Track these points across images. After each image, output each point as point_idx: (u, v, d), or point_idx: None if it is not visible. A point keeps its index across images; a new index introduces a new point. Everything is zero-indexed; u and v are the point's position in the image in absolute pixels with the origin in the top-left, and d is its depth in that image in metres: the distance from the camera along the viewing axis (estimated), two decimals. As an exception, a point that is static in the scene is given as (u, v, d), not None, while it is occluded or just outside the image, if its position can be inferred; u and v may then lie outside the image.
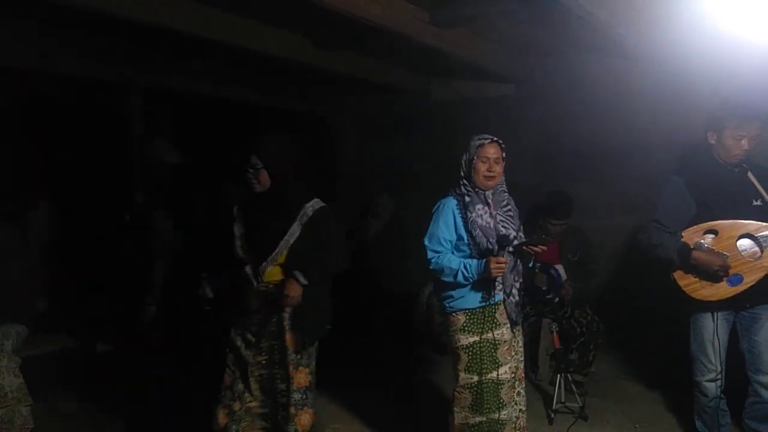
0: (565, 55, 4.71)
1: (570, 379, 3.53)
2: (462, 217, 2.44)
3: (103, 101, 5.59)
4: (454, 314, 2.47)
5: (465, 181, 2.49)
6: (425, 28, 3.80)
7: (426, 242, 2.47)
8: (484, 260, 2.34)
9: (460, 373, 2.47)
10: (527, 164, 4.85)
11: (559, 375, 3.50)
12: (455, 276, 2.38)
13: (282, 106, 6.25)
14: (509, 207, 2.56)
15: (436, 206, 2.52)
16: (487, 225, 2.44)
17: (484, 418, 2.43)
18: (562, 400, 3.47)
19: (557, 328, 3.67)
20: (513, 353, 2.51)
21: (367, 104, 6.33)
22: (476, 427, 2.44)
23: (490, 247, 2.39)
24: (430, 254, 2.44)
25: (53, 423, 3.35)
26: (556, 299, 3.89)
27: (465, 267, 2.36)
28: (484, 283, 2.40)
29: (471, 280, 2.37)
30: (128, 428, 3.33)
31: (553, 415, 3.40)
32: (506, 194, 2.58)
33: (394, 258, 5.14)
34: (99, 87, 5.26)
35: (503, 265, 2.32)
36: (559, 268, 3.97)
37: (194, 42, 3.99)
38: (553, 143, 4.85)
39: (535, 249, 2.40)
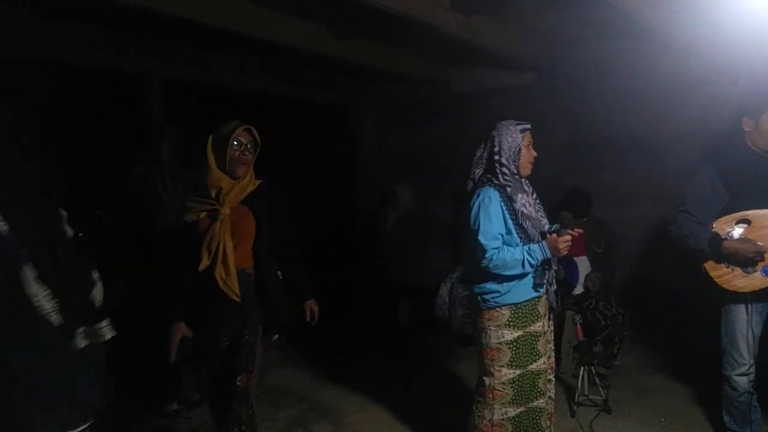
0: (592, 42, 4.61)
1: (593, 371, 3.48)
2: (509, 209, 2.35)
3: (123, 93, 5.63)
4: (498, 309, 2.37)
5: (505, 169, 2.36)
6: (448, 15, 3.75)
7: (482, 240, 2.29)
8: (545, 242, 2.29)
9: (503, 369, 2.38)
10: (553, 155, 4.79)
11: (582, 367, 3.46)
12: (523, 265, 2.26)
13: (303, 96, 6.26)
14: (536, 194, 2.52)
15: (478, 199, 2.35)
16: (530, 214, 2.38)
17: (524, 408, 2.41)
18: (586, 393, 3.43)
19: (581, 320, 3.61)
20: (548, 343, 2.49)
21: (388, 94, 6.31)
22: (516, 419, 2.40)
23: (538, 236, 2.35)
24: (490, 252, 2.27)
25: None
26: (576, 291, 3.84)
27: (529, 254, 2.27)
28: (539, 272, 2.36)
29: (536, 266, 2.29)
30: (155, 415, 3.36)
31: (575, 408, 3.35)
32: (528, 182, 2.54)
33: (413, 247, 5.12)
34: (119, 79, 5.29)
35: (569, 242, 2.28)
36: (582, 260, 3.91)
37: (214, 33, 3.99)
38: (579, 133, 4.78)
39: (573, 233, 2.34)
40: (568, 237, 2.29)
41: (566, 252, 2.30)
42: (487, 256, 2.28)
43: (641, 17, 3.50)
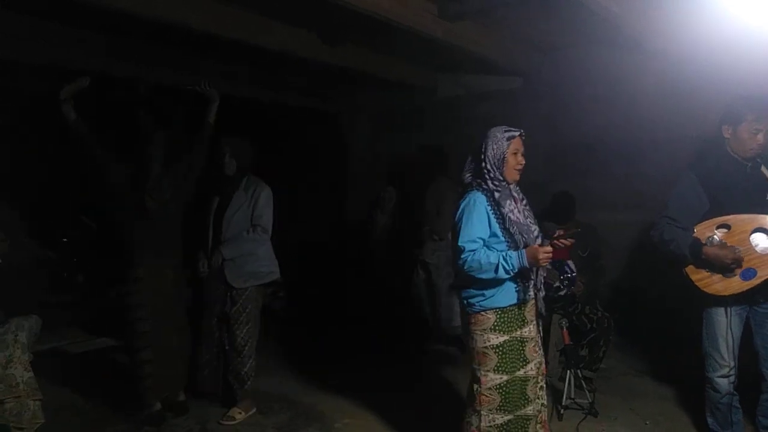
0: (576, 48, 4.68)
1: (580, 375, 3.51)
2: (495, 214, 2.36)
3: (113, 98, 5.61)
4: (483, 313, 2.37)
5: (492, 175, 2.38)
6: (435, 22, 3.79)
7: (460, 242, 2.32)
8: (524, 251, 2.28)
9: (488, 374, 2.37)
10: (536, 161, 4.83)
11: (568, 371, 3.48)
12: (496, 270, 2.26)
13: (293, 102, 6.27)
14: (525, 201, 2.53)
15: (464, 202, 2.39)
16: (518, 220, 2.39)
17: (512, 416, 2.38)
18: (572, 396, 3.45)
19: (567, 324, 3.64)
20: (537, 349, 2.48)
21: (376, 100, 6.33)
22: (504, 427, 2.39)
23: (524, 242, 2.35)
24: (465, 254, 2.29)
25: (63, 418, 3.36)
26: (567, 294, 3.88)
27: (505, 260, 2.26)
28: (521, 279, 2.36)
29: (512, 273, 2.28)
30: (140, 422, 3.34)
31: (562, 411, 3.38)
32: (518, 188, 2.55)
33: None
34: (109, 84, 5.27)
35: (550, 254, 2.27)
36: (570, 263, 3.95)
37: (204, 39, 3.99)
38: (562, 139, 4.83)
39: (565, 242, 2.36)
40: (550, 249, 2.28)
41: (546, 263, 2.30)
42: (462, 257, 2.30)
43: (624, 25, 3.56)
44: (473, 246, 2.31)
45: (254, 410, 3.49)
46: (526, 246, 2.33)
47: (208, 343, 3.49)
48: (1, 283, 3.08)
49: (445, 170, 4.68)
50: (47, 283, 3.53)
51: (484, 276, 2.29)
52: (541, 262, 2.26)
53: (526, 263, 2.27)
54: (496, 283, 2.34)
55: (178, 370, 3.43)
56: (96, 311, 4.41)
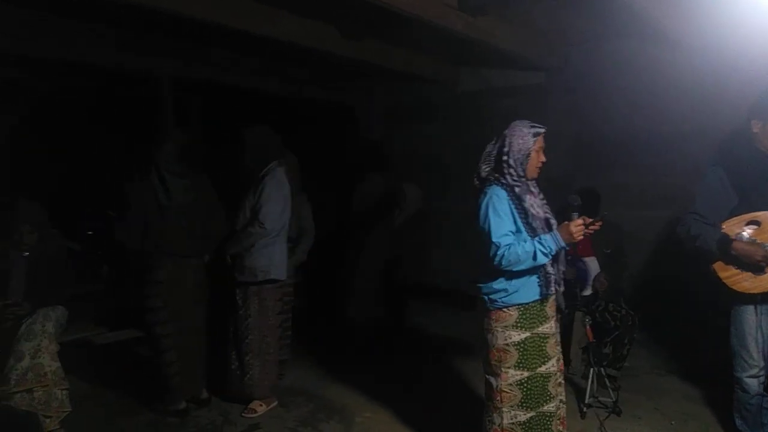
0: (601, 41, 4.60)
1: (603, 373, 3.46)
2: (518, 208, 2.33)
3: (131, 92, 5.68)
4: (505, 310, 2.36)
5: (513, 171, 2.35)
6: (455, 16, 3.75)
7: (494, 238, 2.27)
8: (556, 231, 2.26)
9: (509, 371, 2.36)
10: (561, 155, 4.78)
11: (592, 369, 3.43)
12: (534, 257, 2.23)
13: (310, 96, 6.27)
14: (542, 196, 2.51)
15: (486, 198, 2.34)
16: (538, 214, 2.37)
17: (534, 413, 2.37)
18: (595, 395, 3.41)
19: (591, 322, 3.58)
20: (557, 345, 2.46)
21: (395, 94, 6.31)
22: (527, 424, 2.37)
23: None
24: (502, 249, 2.25)
25: (87, 409, 3.42)
26: (586, 293, 3.82)
27: (541, 243, 2.23)
28: (543, 272, 2.34)
29: (550, 256, 2.26)
30: (164, 413, 3.39)
31: (585, 410, 3.34)
32: (536, 183, 2.52)
33: (420, 247, 5.12)
34: (127, 78, 5.33)
35: (582, 226, 2.24)
36: (591, 260, 3.88)
37: (218, 32, 4.00)
38: (588, 133, 4.76)
39: (594, 227, 2.31)
40: (580, 221, 2.24)
41: (581, 237, 2.24)
42: (499, 252, 2.25)
43: (651, 17, 3.48)
44: (508, 240, 2.28)
45: (276, 403, 3.53)
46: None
47: (230, 342, 3.49)
48: (29, 274, 3.15)
49: (380, 167, 4.70)
50: (73, 275, 3.57)
51: (522, 267, 2.26)
52: (575, 236, 2.23)
53: (562, 242, 2.24)
54: (523, 274, 2.31)
55: (201, 370, 3.49)
56: (118, 307, 4.47)
